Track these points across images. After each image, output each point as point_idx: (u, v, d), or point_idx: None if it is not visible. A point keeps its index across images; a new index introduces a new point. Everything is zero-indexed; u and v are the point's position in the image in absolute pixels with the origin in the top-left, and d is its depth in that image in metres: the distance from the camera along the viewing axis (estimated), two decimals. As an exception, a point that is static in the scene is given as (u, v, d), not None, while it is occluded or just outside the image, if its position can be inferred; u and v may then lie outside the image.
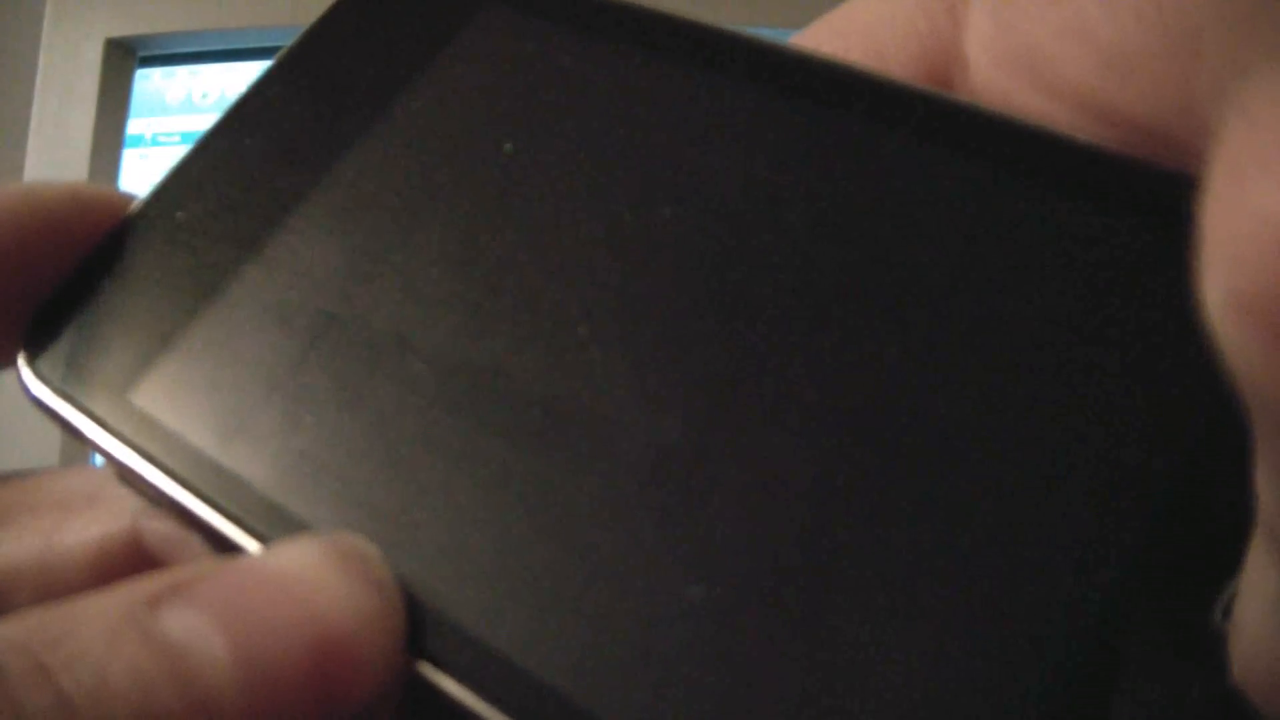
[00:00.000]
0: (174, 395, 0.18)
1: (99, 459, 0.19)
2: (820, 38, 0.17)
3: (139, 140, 0.84)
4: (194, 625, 0.14)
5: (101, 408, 0.18)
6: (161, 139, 0.84)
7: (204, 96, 0.82)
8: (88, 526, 0.19)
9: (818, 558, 0.14)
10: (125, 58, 0.96)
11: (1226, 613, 0.12)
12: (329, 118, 0.20)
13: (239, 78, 0.76)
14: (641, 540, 0.15)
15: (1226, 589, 0.12)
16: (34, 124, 0.93)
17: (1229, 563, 0.12)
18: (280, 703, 0.14)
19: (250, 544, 0.16)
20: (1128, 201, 0.15)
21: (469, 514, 0.16)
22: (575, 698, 0.14)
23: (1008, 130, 0.16)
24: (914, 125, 0.16)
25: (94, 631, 0.13)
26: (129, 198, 0.21)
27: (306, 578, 0.15)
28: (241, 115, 0.21)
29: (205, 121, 0.21)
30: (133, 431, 0.18)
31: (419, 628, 0.15)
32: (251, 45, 0.75)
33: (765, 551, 0.14)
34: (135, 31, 0.95)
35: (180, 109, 0.84)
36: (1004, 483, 0.14)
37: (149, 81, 0.95)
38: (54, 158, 0.85)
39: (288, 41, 0.22)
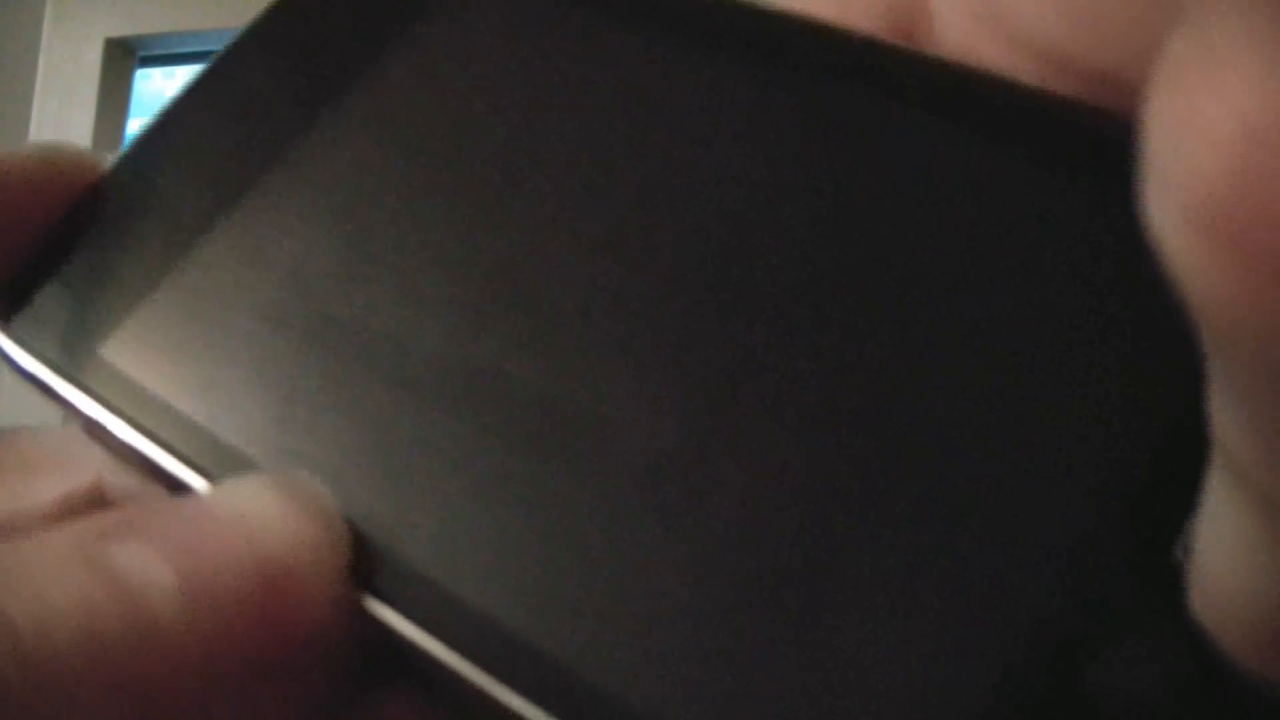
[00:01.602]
0: (143, 351, 0.18)
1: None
2: None
3: (139, 140, 0.84)
4: (141, 556, 0.14)
5: (71, 363, 0.18)
6: (161, 139, 0.84)
7: (204, 97, 0.82)
8: (55, 485, 0.19)
9: (776, 496, 0.14)
10: (125, 58, 0.97)
11: (1189, 551, 0.12)
12: (304, 82, 0.20)
13: (237, 74, 0.76)
14: (597, 477, 0.15)
15: (1187, 527, 0.12)
16: (34, 124, 0.93)
17: (1191, 504, 0.12)
18: (225, 629, 0.14)
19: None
20: (1092, 153, 0.15)
21: (422, 455, 0.16)
22: (523, 631, 0.14)
23: (971, 83, 0.16)
24: (880, 81, 0.16)
25: (42, 562, 0.13)
26: (102, 160, 0.21)
27: (253, 511, 0.15)
28: (215, 78, 0.21)
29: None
30: (99, 386, 0.18)
31: (369, 565, 0.15)
32: (251, 45, 0.75)
33: (727, 500, 0.14)
34: (135, 31, 0.96)
35: (181, 109, 0.84)
36: (973, 438, 0.14)
37: (149, 81, 0.95)
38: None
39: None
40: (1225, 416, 0.09)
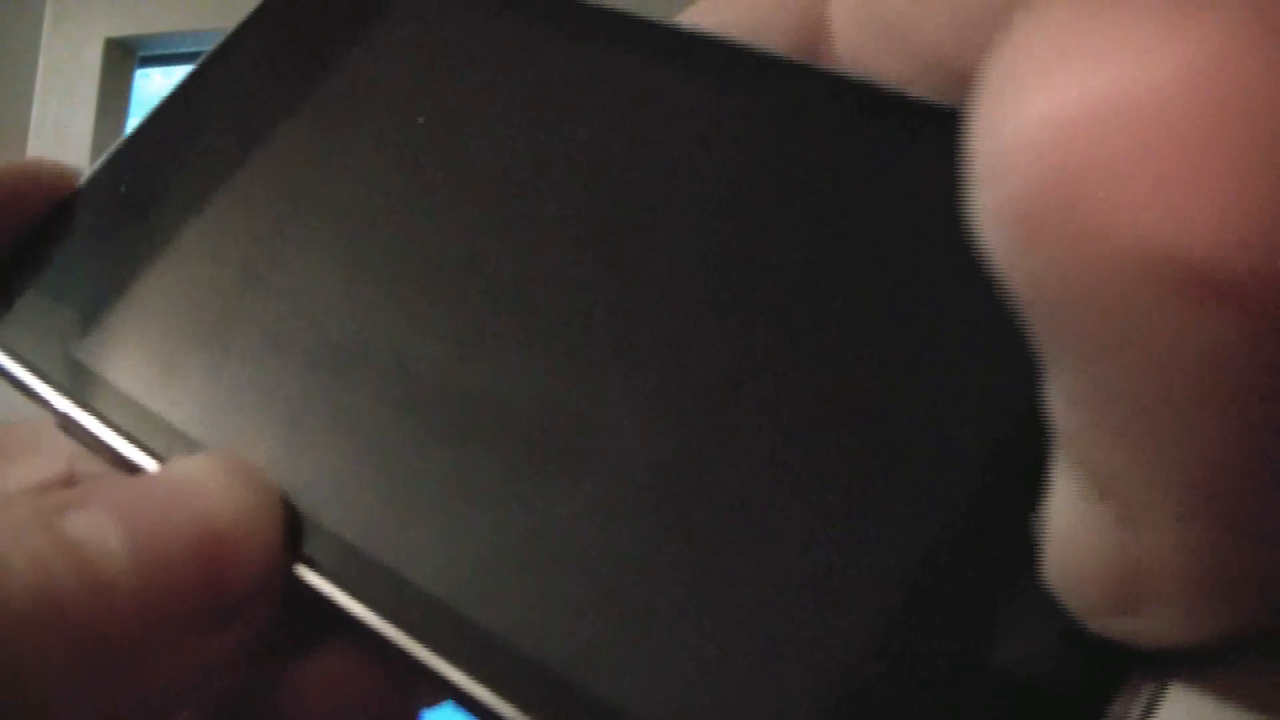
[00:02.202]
0: (112, 352, 0.20)
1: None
2: (705, 14, 0.19)
3: (139, 139, 0.84)
4: (93, 522, 0.16)
5: (45, 363, 0.20)
6: (160, 138, 0.84)
7: (203, 96, 0.83)
8: (30, 472, 0.20)
9: (658, 448, 0.16)
10: (125, 58, 0.98)
11: (1042, 524, 0.13)
12: (263, 100, 0.22)
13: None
14: (514, 454, 0.16)
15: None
16: (34, 124, 0.94)
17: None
18: (169, 587, 0.15)
19: None
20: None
21: (350, 440, 0.18)
22: (439, 595, 0.16)
23: (865, 93, 0.17)
24: (789, 94, 0.18)
25: (3, 529, 0.15)
26: (78, 172, 0.22)
27: (195, 484, 0.17)
28: (182, 97, 0.23)
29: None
30: (71, 383, 0.19)
31: (301, 537, 0.17)
32: (249, 45, 0.75)
33: (626, 456, 0.16)
34: (135, 31, 0.96)
35: (180, 108, 0.84)
36: (852, 427, 0.15)
37: (149, 81, 0.96)
38: (54, 158, 0.85)
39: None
40: (1050, 392, 0.11)
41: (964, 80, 0.16)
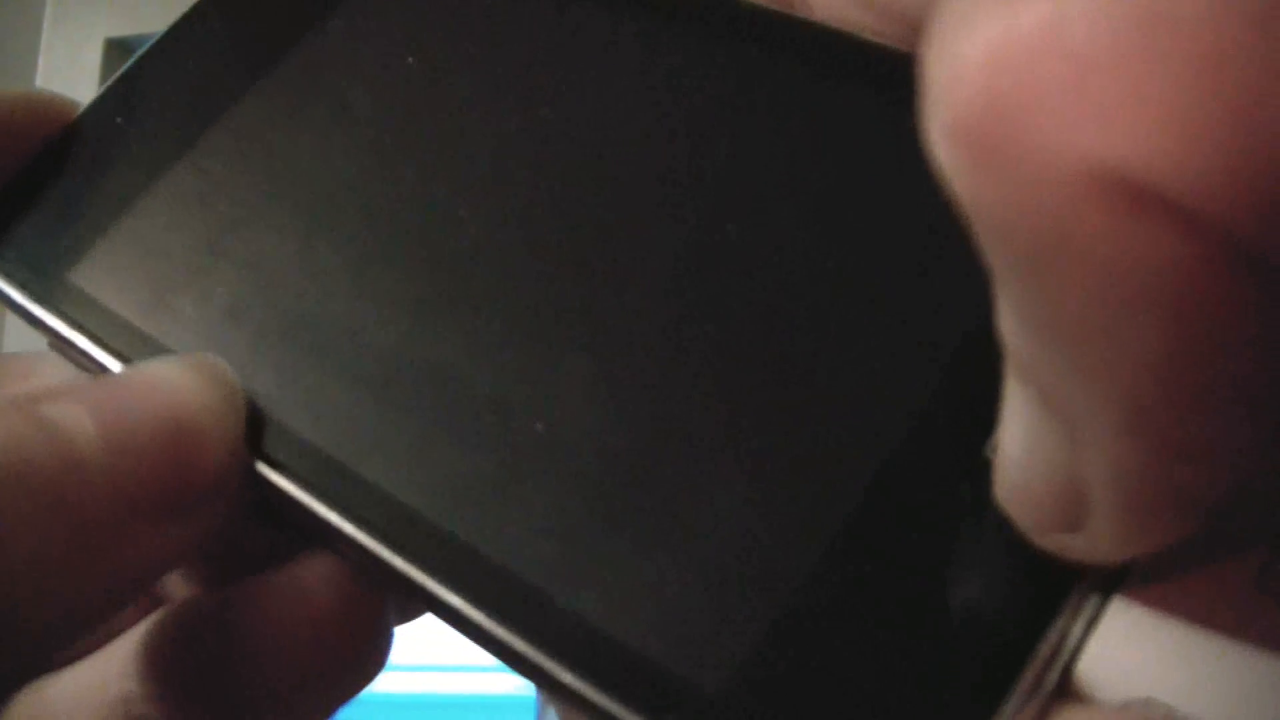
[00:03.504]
0: (104, 276, 0.20)
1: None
2: None
3: (138, 139, 0.84)
4: (67, 409, 0.16)
5: (40, 286, 0.20)
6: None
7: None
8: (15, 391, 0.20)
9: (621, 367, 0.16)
10: (125, 58, 0.98)
11: (995, 448, 0.13)
12: (257, 38, 0.22)
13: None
14: (479, 367, 0.17)
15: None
16: (33, 121, 0.95)
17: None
18: (138, 468, 0.16)
19: None
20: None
21: (318, 352, 0.18)
22: (388, 490, 0.16)
23: (834, 40, 0.18)
24: (766, 42, 0.18)
25: None
26: (76, 104, 0.22)
27: (164, 380, 0.17)
28: (177, 36, 0.23)
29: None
30: (65, 305, 0.20)
31: (265, 439, 0.17)
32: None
33: (594, 373, 0.16)
34: (135, 31, 0.97)
35: (179, 110, 0.85)
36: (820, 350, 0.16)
37: (148, 82, 0.96)
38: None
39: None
40: (1000, 312, 0.11)
41: (920, 30, 0.17)
